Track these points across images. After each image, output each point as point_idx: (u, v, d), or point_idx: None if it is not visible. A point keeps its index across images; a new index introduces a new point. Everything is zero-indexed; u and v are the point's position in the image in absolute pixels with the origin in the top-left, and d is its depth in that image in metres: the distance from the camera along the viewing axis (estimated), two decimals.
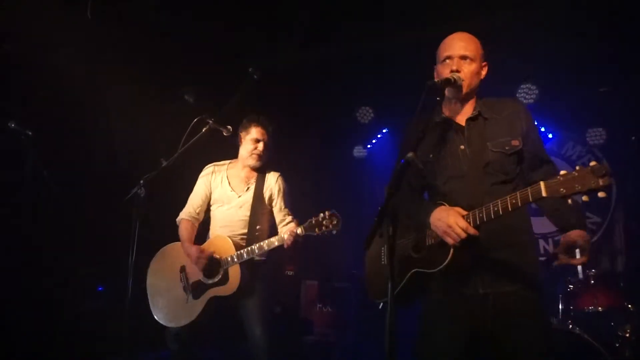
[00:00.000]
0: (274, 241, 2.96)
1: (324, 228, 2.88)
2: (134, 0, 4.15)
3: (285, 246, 2.94)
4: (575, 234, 1.97)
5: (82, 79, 4.26)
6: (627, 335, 3.74)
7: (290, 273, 5.79)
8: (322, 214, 2.90)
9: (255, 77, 4.12)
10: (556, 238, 5.63)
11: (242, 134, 3.29)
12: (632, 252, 5.48)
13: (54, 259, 4.12)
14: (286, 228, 3.11)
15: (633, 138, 5.53)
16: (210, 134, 3.17)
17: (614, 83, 5.28)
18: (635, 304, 3.92)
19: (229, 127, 3.28)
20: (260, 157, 3.24)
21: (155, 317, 3.12)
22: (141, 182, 3.09)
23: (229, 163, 3.37)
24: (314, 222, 2.90)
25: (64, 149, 4.27)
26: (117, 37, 4.26)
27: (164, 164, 3.13)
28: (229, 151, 3.42)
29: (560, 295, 4.09)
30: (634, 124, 5.47)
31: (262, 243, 2.97)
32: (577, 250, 1.96)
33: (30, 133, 3.34)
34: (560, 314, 4.02)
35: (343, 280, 5.98)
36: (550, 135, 5.95)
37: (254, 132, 3.23)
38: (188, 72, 4.82)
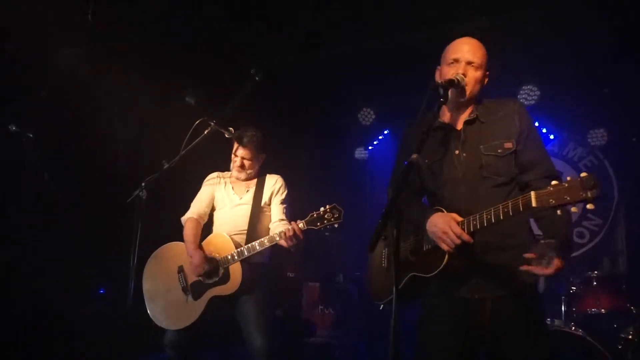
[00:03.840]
0: (275, 236, 2.93)
1: (325, 222, 2.86)
2: (136, 1, 4.14)
3: (285, 239, 2.88)
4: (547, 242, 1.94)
5: (83, 81, 4.25)
6: (630, 337, 3.72)
7: (291, 275, 5.78)
8: (323, 208, 2.88)
9: (257, 78, 4.13)
10: None
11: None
12: (633, 253, 5.47)
13: (55, 261, 4.11)
14: (278, 225, 3.09)
15: (634, 139, 5.54)
16: (212, 135, 3.17)
17: (615, 84, 5.28)
18: (638, 306, 3.92)
19: (231, 128, 3.29)
20: (241, 168, 3.26)
21: (155, 321, 3.07)
22: (143, 184, 3.08)
23: (231, 173, 3.40)
24: (315, 216, 2.88)
25: (65, 150, 4.27)
26: (119, 39, 4.26)
27: (166, 166, 3.13)
28: (230, 153, 3.41)
29: (563, 297, 4.09)
30: (635, 125, 5.47)
31: (262, 239, 2.95)
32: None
33: (31, 135, 3.34)
34: (562, 315, 4.02)
35: (345, 281, 5.98)
36: (551, 137, 5.94)
37: (235, 147, 3.27)
38: (190, 74, 4.81)
